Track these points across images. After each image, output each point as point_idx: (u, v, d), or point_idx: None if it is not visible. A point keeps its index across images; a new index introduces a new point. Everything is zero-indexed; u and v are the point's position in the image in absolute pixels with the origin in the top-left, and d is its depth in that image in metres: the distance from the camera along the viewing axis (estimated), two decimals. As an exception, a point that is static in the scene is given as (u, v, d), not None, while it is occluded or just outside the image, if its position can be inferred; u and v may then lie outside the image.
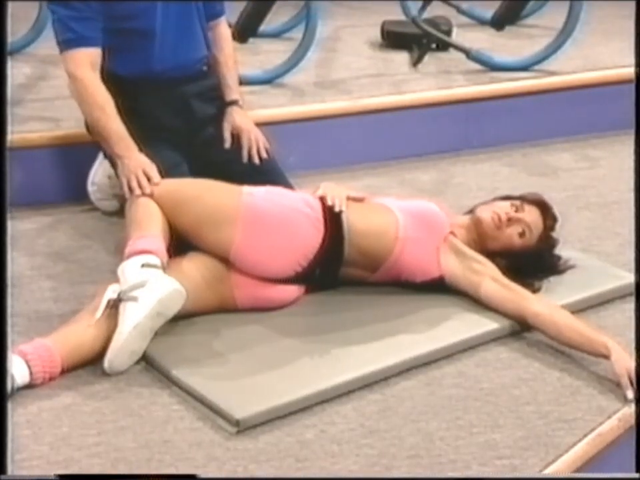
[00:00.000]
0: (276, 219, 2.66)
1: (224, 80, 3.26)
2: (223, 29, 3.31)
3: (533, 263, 2.82)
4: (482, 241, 2.81)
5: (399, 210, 2.77)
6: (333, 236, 2.68)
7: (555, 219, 2.89)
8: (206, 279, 2.60)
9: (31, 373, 2.33)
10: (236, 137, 3.17)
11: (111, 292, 2.45)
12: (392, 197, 2.95)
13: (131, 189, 2.83)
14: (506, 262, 2.76)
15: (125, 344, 2.39)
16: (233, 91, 3.25)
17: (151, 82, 3.09)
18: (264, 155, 3.15)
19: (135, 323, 2.39)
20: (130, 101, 3.01)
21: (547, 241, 2.86)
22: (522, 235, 2.79)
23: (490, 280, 2.69)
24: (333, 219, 2.70)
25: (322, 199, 2.76)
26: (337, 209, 2.72)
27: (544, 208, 2.87)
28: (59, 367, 2.38)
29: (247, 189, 2.74)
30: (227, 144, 3.17)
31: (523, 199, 2.87)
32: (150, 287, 2.43)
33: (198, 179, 2.82)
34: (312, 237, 2.67)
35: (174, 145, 3.08)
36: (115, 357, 2.39)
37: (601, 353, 2.46)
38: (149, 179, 2.82)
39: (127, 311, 2.41)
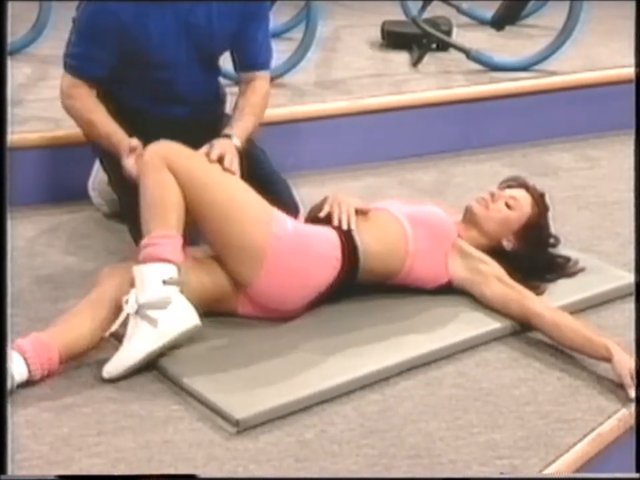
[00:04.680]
0: (299, 269, 2.59)
1: (233, 122, 2.98)
2: (258, 84, 3.05)
3: (538, 254, 2.85)
4: (480, 230, 2.82)
5: (406, 219, 2.75)
6: (348, 269, 2.65)
7: (537, 189, 2.92)
8: (211, 293, 2.58)
9: (29, 371, 2.33)
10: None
11: (131, 305, 2.40)
12: (394, 200, 2.94)
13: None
14: (512, 262, 2.77)
15: (132, 366, 2.38)
16: (233, 130, 2.93)
17: (162, 118, 3.03)
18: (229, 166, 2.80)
19: (149, 351, 2.38)
20: (138, 128, 2.97)
21: (543, 208, 2.88)
22: (509, 205, 2.84)
23: (494, 280, 2.70)
24: (350, 252, 2.65)
25: (337, 229, 2.67)
26: (344, 227, 2.67)
27: (524, 184, 2.93)
28: (57, 362, 2.37)
29: (276, 226, 2.58)
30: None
31: (502, 185, 2.98)
32: (171, 315, 2.40)
33: (228, 177, 2.65)
34: (329, 275, 2.64)
35: None
36: (117, 373, 2.39)
37: (601, 354, 2.45)
38: None
39: (143, 333, 2.39)
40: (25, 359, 2.33)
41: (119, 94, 3.02)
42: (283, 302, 2.60)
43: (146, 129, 2.97)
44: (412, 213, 2.79)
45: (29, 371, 2.33)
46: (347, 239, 2.65)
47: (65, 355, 2.40)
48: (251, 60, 3.08)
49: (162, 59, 2.96)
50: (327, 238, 2.66)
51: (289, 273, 2.57)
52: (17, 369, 2.32)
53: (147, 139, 2.92)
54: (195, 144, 2.89)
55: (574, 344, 2.53)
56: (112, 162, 3.02)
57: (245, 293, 2.60)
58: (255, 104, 3.03)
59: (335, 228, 2.67)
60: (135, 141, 2.80)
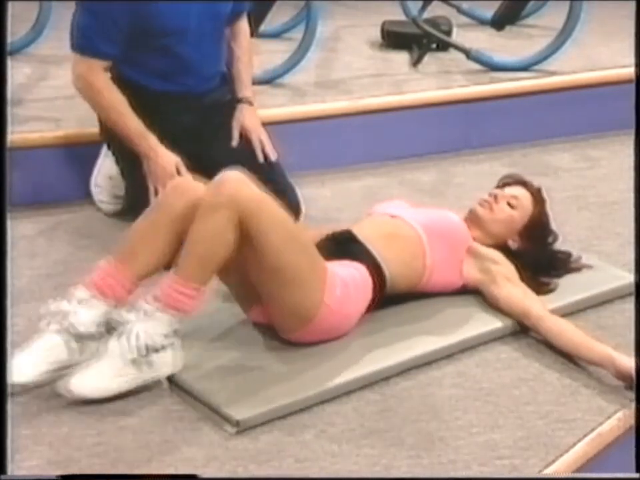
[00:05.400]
0: (340, 327, 2.55)
1: (237, 74, 3.26)
2: (243, 24, 3.31)
3: (541, 251, 2.86)
4: (485, 231, 2.82)
5: (422, 229, 2.71)
6: (377, 298, 2.63)
7: (534, 185, 2.93)
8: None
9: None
10: (244, 137, 3.18)
11: (132, 348, 2.30)
12: (398, 201, 2.93)
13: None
14: (518, 261, 2.77)
15: (106, 395, 2.32)
16: (246, 87, 3.26)
17: (175, 94, 3.11)
18: (271, 156, 3.16)
19: (126, 389, 2.32)
20: (152, 109, 3.04)
21: (542, 203, 2.89)
22: (511, 205, 2.84)
23: (503, 280, 2.70)
24: (380, 285, 2.61)
25: (366, 264, 2.60)
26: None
27: (522, 182, 2.94)
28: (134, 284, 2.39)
29: (328, 295, 2.46)
30: (235, 142, 3.18)
31: (500, 183, 2.98)
32: (161, 360, 2.33)
33: (297, 239, 2.46)
34: (362, 313, 2.61)
35: (191, 155, 3.07)
36: (86, 397, 2.30)
37: (602, 360, 2.45)
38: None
39: (128, 374, 2.31)
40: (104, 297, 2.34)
41: (132, 76, 3.07)
42: (314, 344, 2.55)
43: (159, 109, 3.07)
44: (427, 221, 2.75)
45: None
46: (377, 272, 2.61)
47: (137, 283, 2.42)
48: (241, 7, 3.26)
49: (172, 25, 3.01)
50: (364, 283, 2.58)
51: (329, 331, 2.53)
52: (92, 315, 2.32)
53: (159, 119, 3.05)
54: (208, 124, 3.14)
55: (576, 348, 2.52)
56: (125, 155, 3.06)
57: (270, 315, 2.55)
58: (247, 49, 3.29)
59: (364, 263, 2.60)
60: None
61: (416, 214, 2.80)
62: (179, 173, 2.99)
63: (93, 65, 3.01)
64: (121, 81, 3.05)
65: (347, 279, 2.54)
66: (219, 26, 3.15)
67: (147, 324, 2.31)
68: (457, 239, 2.76)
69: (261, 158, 3.15)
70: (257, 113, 3.24)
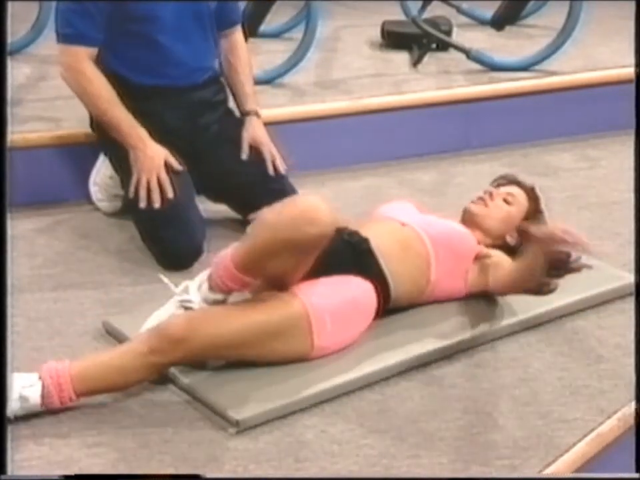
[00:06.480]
0: (345, 346, 2.50)
1: (241, 87, 3.26)
2: (239, 36, 3.32)
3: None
4: (482, 229, 2.81)
5: (430, 241, 2.67)
6: (379, 312, 2.60)
7: (527, 183, 2.92)
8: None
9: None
10: (253, 150, 3.19)
11: None
12: (404, 202, 2.92)
13: (139, 195, 2.96)
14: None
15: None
16: (251, 100, 3.26)
17: (158, 88, 3.11)
18: (281, 169, 3.18)
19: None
20: (138, 104, 3.04)
21: (537, 200, 2.88)
22: (507, 201, 2.84)
23: (494, 269, 2.69)
24: (384, 298, 2.58)
25: (372, 280, 2.55)
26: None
27: (515, 181, 2.94)
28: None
29: (318, 335, 2.42)
30: (245, 155, 3.18)
31: (495, 184, 2.97)
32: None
33: (254, 328, 2.38)
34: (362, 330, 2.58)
35: (178, 150, 3.07)
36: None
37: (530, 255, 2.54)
38: (167, 170, 2.98)
39: None
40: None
41: (117, 70, 3.07)
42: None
43: (145, 105, 3.07)
44: (435, 233, 2.70)
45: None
46: (383, 290, 2.58)
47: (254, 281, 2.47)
48: (233, 16, 3.30)
49: (144, 10, 3.02)
50: (367, 304, 2.55)
51: (331, 354, 2.48)
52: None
53: (145, 116, 3.05)
54: (196, 122, 3.17)
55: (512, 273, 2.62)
56: (124, 164, 3.06)
57: None
58: (247, 61, 3.30)
59: (373, 281, 2.56)
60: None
61: (425, 224, 2.73)
62: (166, 166, 2.99)
63: (79, 54, 3.02)
64: (107, 76, 3.05)
65: (346, 302, 2.49)
66: (202, 18, 3.14)
67: None
68: (463, 251, 2.72)
69: (271, 170, 3.16)
70: (262, 125, 3.24)
